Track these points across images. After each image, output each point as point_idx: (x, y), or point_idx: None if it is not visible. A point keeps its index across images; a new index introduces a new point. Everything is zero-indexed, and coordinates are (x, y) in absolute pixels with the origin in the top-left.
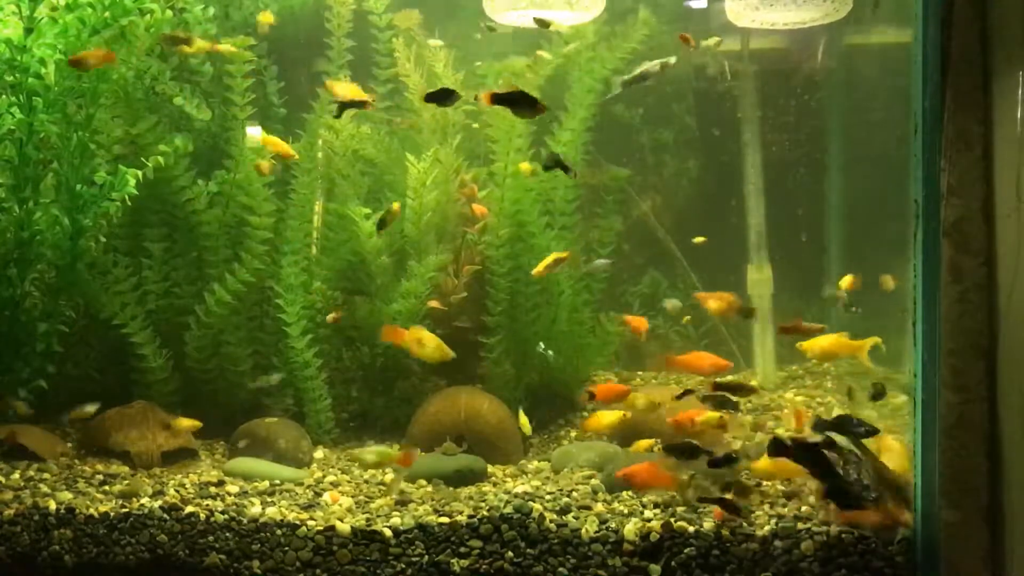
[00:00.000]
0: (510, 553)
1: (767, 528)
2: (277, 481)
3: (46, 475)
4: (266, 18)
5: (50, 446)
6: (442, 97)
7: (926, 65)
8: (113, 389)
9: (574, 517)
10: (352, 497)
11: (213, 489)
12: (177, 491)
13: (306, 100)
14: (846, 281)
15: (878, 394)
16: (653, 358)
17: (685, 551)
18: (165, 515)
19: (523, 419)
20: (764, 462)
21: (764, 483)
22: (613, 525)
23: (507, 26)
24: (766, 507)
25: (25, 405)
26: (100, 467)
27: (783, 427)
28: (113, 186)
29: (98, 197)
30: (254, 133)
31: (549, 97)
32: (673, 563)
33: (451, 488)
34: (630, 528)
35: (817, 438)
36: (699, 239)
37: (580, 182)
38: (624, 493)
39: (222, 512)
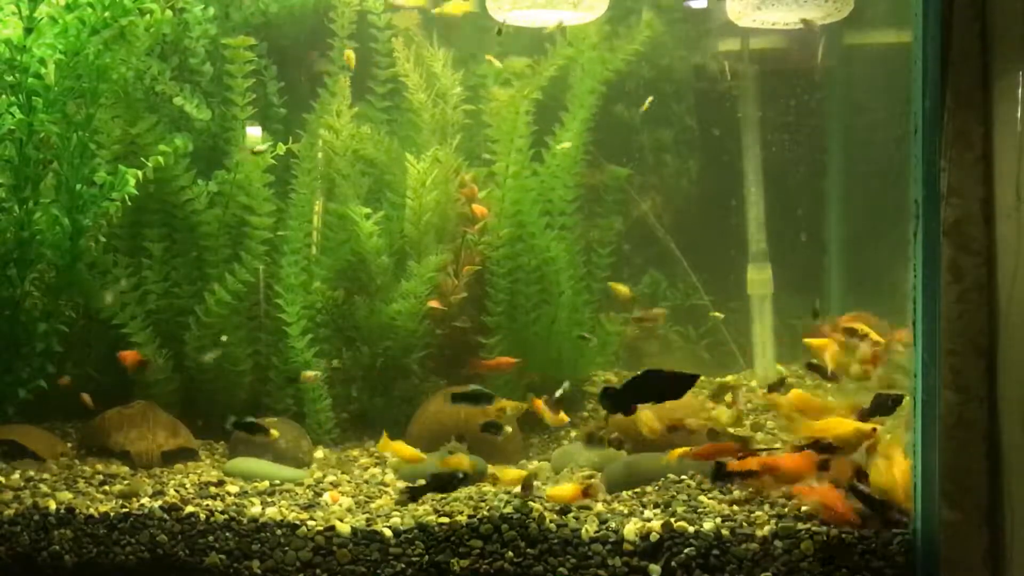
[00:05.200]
0: (510, 553)
1: (767, 528)
2: (277, 481)
3: (46, 475)
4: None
5: (50, 446)
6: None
7: (926, 65)
8: (113, 389)
9: (574, 517)
10: (352, 497)
11: (213, 489)
12: (177, 491)
13: (306, 100)
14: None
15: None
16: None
17: (685, 551)
18: (165, 515)
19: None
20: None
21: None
22: (613, 525)
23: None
24: (766, 507)
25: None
26: (100, 467)
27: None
28: (113, 186)
29: (98, 197)
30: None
31: (551, 98)
32: (673, 563)
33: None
34: (630, 528)
35: None
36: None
37: (580, 182)
38: (624, 493)
39: (222, 512)
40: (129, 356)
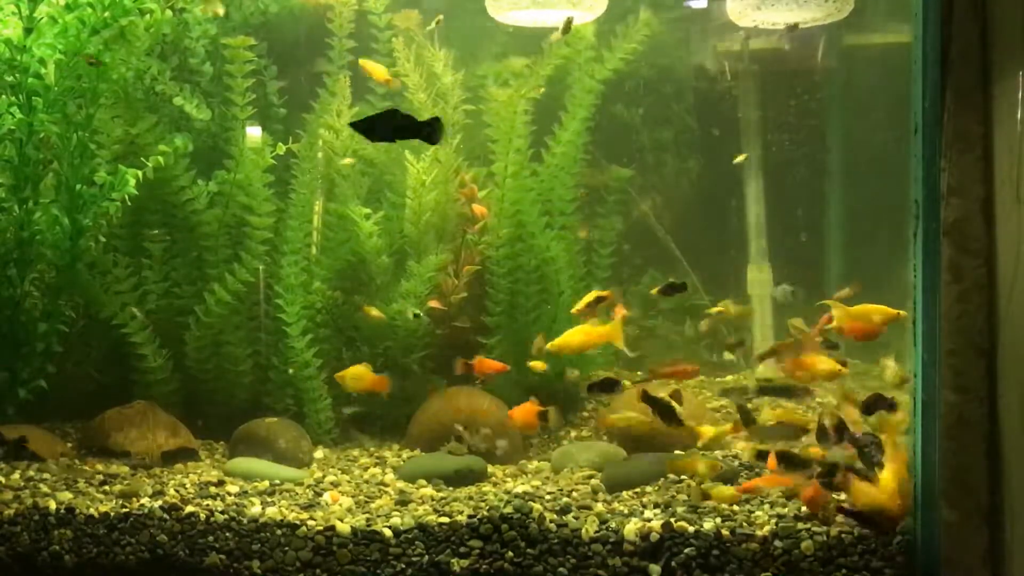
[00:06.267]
0: (510, 553)
1: (767, 528)
2: (277, 481)
3: (46, 475)
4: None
5: (50, 446)
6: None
7: (926, 65)
8: (113, 389)
9: (574, 517)
10: (352, 497)
11: (213, 489)
12: (177, 491)
13: (306, 100)
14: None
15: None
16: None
17: (685, 551)
18: (165, 515)
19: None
20: None
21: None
22: (613, 525)
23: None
24: (766, 507)
25: None
26: (100, 467)
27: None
28: (113, 186)
29: (98, 197)
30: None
31: (550, 97)
32: (673, 563)
33: (451, 488)
34: (630, 528)
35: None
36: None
37: (580, 182)
38: (624, 493)
39: (222, 512)
40: (486, 364)
